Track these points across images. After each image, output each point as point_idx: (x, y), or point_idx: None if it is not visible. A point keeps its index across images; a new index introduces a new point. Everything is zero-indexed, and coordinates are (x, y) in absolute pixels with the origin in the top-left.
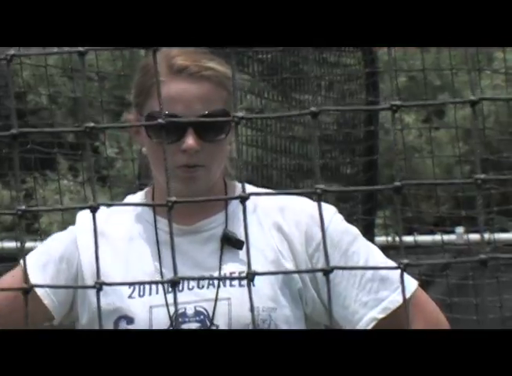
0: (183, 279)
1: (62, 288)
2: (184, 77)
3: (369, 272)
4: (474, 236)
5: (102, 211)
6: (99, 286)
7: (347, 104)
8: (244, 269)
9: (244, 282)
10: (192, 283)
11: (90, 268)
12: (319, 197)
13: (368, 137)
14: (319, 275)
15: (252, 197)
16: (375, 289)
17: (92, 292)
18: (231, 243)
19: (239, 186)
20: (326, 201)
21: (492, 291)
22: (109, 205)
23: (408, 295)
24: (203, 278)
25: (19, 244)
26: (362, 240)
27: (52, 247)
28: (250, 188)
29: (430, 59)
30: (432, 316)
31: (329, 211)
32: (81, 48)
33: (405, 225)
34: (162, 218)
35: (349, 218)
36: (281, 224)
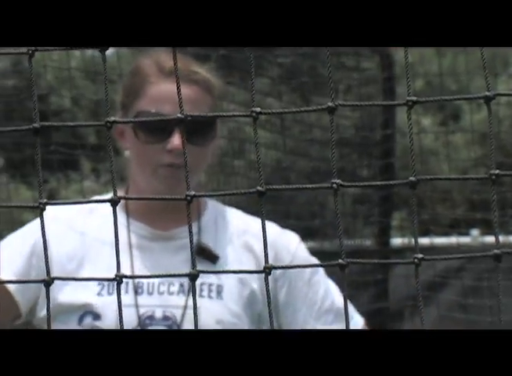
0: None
1: (18, 283)
2: (173, 78)
3: (327, 304)
4: (489, 239)
5: (81, 212)
6: (49, 280)
7: (364, 108)
8: (215, 281)
9: (213, 294)
10: (163, 288)
11: (59, 262)
12: (335, 192)
13: (385, 140)
14: (281, 300)
15: (223, 218)
16: (330, 321)
17: (56, 287)
18: (204, 255)
19: (210, 202)
20: (344, 204)
21: (507, 292)
22: (126, 199)
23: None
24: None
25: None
26: (322, 273)
27: (20, 243)
28: (215, 203)
29: (446, 64)
30: None
31: (295, 238)
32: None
33: (421, 227)
34: (135, 221)
35: (366, 221)
36: (251, 244)
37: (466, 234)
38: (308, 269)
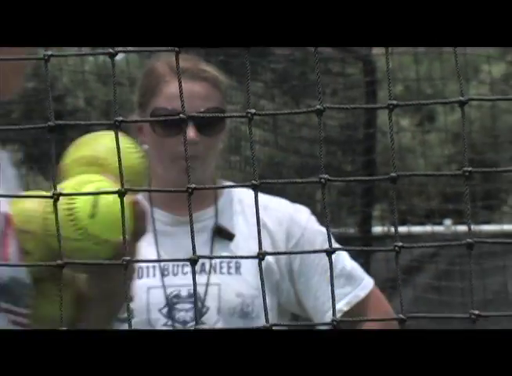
0: (200, 257)
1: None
2: (185, 77)
3: (338, 269)
4: (460, 228)
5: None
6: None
7: (349, 109)
8: (235, 261)
9: (232, 270)
10: (186, 269)
11: None
12: (322, 186)
13: (367, 139)
14: (295, 270)
15: (239, 201)
16: (341, 284)
17: None
18: (222, 234)
19: (226, 183)
20: (330, 196)
21: (477, 276)
22: (136, 190)
23: (367, 291)
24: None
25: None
26: (331, 242)
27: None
28: (236, 190)
29: (423, 71)
30: (385, 311)
31: (306, 212)
32: (111, 50)
33: (400, 217)
34: (158, 209)
35: (349, 211)
36: (265, 222)
37: (440, 223)
38: (319, 240)
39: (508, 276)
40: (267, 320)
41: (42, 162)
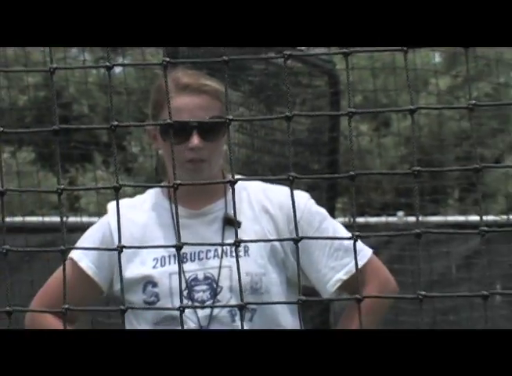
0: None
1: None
2: (188, 92)
3: (337, 244)
4: (411, 219)
5: (129, 201)
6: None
7: (316, 116)
8: (242, 243)
9: (241, 253)
10: (202, 255)
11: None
12: (291, 183)
13: (331, 141)
14: (298, 246)
15: (244, 189)
16: (340, 257)
17: (124, 265)
18: (231, 223)
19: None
20: (301, 189)
21: (424, 260)
22: (129, 186)
23: (365, 260)
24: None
25: (62, 218)
26: (330, 219)
27: (91, 237)
28: (240, 182)
29: (379, 83)
30: (384, 276)
31: (305, 197)
32: (108, 64)
33: (358, 209)
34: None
35: (316, 203)
36: (268, 208)
37: (394, 215)
38: (318, 219)
39: (451, 260)
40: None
41: (52, 161)
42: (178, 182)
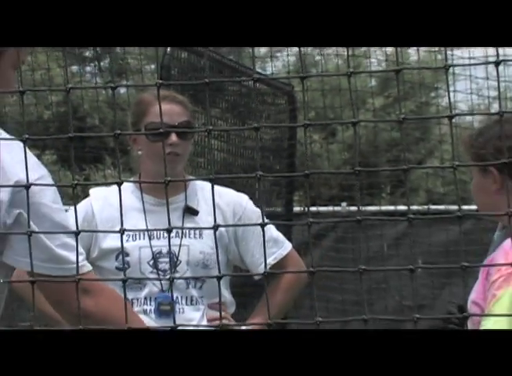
0: (175, 228)
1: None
2: (166, 101)
3: (267, 236)
4: (353, 208)
5: (111, 189)
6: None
7: (278, 128)
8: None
9: (197, 236)
10: (166, 234)
11: (101, 224)
12: (258, 180)
13: (290, 147)
14: (239, 236)
15: (202, 189)
16: (270, 246)
17: (101, 238)
18: (190, 212)
19: (189, 177)
20: (264, 186)
21: (363, 241)
22: (129, 182)
23: (287, 251)
24: (189, 228)
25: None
26: (263, 218)
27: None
28: (197, 181)
29: (328, 102)
30: (300, 264)
31: (246, 197)
32: (112, 85)
33: (311, 201)
34: (145, 194)
35: (277, 196)
36: (219, 204)
37: (339, 205)
38: (255, 216)
39: (384, 241)
40: (219, 271)
41: (69, 162)
42: (169, 178)
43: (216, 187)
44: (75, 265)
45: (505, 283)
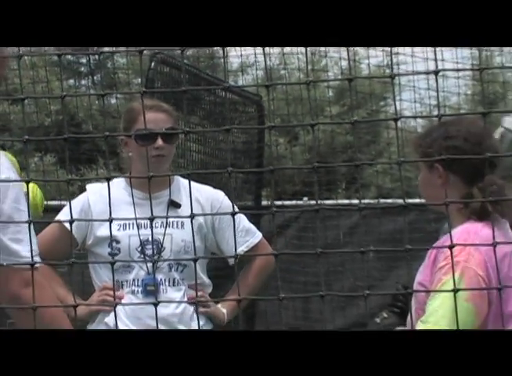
0: (156, 217)
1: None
2: (153, 110)
3: (241, 227)
4: (312, 202)
5: (104, 185)
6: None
7: (248, 131)
8: (179, 219)
9: (179, 226)
10: (152, 225)
11: (96, 215)
12: (229, 175)
13: (258, 149)
14: (216, 227)
15: (183, 184)
16: (243, 236)
17: (96, 227)
18: (173, 205)
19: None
20: (236, 183)
21: (321, 230)
22: (118, 177)
23: (258, 239)
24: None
25: (66, 201)
26: (238, 211)
27: (73, 206)
28: (178, 178)
29: (291, 110)
30: (269, 249)
31: (222, 194)
32: (102, 93)
33: (276, 195)
34: (135, 189)
35: (248, 191)
36: (199, 199)
37: (301, 199)
38: (230, 209)
39: (340, 230)
40: (195, 253)
41: (66, 161)
42: (151, 174)
43: (197, 185)
44: (24, 259)
45: (451, 270)
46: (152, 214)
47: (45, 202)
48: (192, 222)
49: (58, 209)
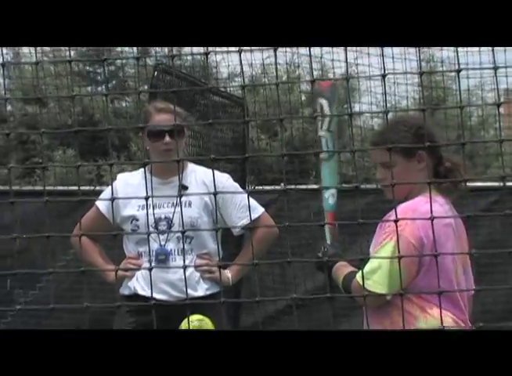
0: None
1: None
2: (163, 112)
3: (242, 204)
4: (290, 187)
5: (129, 173)
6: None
7: (235, 127)
8: (187, 199)
9: (187, 205)
10: (164, 205)
11: (122, 199)
12: (212, 162)
13: (243, 144)
14: (220, 203)
15: (194, 171)
16: (244, 211)
17: (120, 209)
18: (183, 188)
19: (189, 164)
20: (226, 172)
21: (295, 211)
22: (123, 163)
23: (260, 213)
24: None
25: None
26: (240, 190)
27: (106, 192)
28: (192, 165)
29: (270, 111)
30: (271, 223)
31: (226, 176)
32: (105, 93)
33: (258, 182)
34: (154, 177)
35: (234, 179)
36: (205, 182)
37: (279, 185)
38: (232, 189)
39: (310, 210)
40: (183, 226)
41: (86, 156)
42: (148, 160)
43: (205, 169)
44: None
45: (388, 237)
46: (147, 194)
47: (66, 187)
48: (180, 198)
49: (76, 193)
